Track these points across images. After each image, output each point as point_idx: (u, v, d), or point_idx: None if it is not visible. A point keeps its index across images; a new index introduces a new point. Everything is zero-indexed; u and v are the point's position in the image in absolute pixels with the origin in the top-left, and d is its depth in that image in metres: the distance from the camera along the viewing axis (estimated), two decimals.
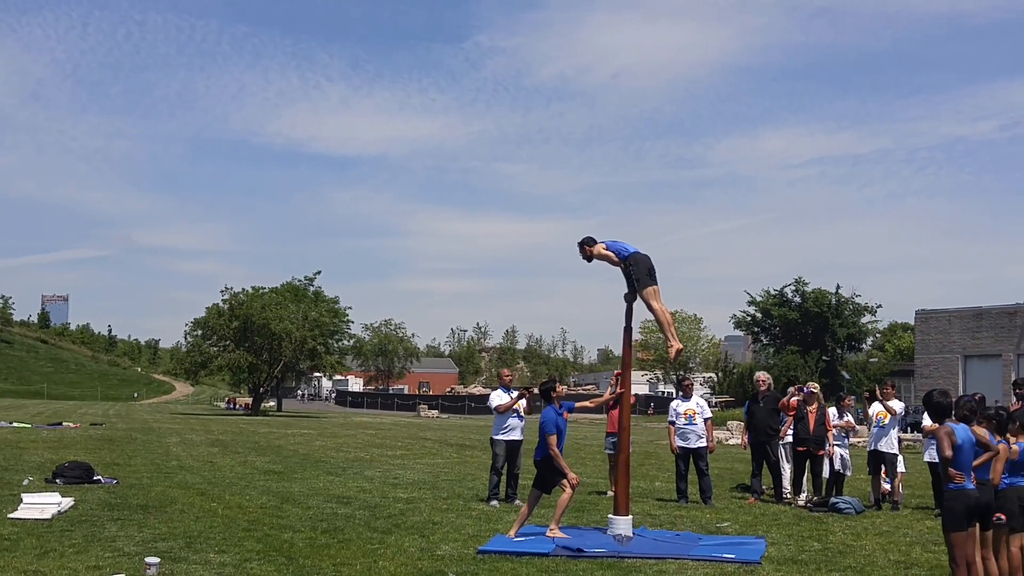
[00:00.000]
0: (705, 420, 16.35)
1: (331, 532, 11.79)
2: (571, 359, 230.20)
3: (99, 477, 16.52)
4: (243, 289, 66.71)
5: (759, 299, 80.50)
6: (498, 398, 15.62)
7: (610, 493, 16.74)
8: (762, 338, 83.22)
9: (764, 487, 16.91)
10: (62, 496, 13.46)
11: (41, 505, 12.33)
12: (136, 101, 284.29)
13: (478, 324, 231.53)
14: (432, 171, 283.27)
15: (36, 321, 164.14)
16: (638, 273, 11.77)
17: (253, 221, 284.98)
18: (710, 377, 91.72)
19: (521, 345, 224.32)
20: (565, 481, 11.60)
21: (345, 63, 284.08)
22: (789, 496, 16.25)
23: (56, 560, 9.39)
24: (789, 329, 78.57)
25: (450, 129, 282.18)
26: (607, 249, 11.99)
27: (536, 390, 12.44)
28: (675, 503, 15.92)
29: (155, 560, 9.02)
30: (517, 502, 15.57)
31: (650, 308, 11.87)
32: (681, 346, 11.84)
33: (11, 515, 12.06)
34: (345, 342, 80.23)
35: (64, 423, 35.85)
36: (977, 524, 7.97)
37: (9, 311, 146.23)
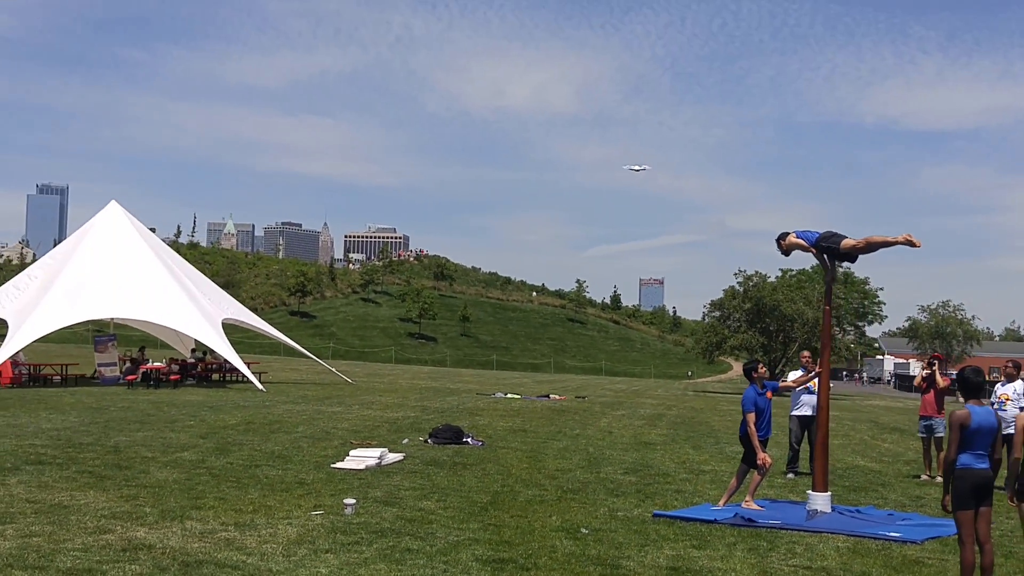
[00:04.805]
0: (1021, 408, 15.54)
1: (572, 491, 13.40)
2: None
3: (468, 439, 19.22)
4: (755, 271, 68.21)
5: None
6: (792, 375, 16.35)
7: (924, 476, 16.56)
8: None
9: None
10: (402, 453, 16.28)
11: (361, 458, 15.11)
12: (730, 90, 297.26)
13: None
14: None
15: (609, 303, 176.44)
16: (831, 240, 12.24)
17: (840, 203, 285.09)
18: None
19: None
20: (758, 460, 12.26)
21: (941, 35, 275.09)
22: None
23: (307, 499, 11.92)
24: None
25: None
26: (797, 238, 12.47)
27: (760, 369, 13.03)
28: None
29: (351, 501, 11.29)
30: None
31: (859, 248, 12.26)
32: (907, 234, 11.59)
33: (333, 465, 14.96)
34: (877, 324, 79.17)
35: (551, 395, 39.69)
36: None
37: (584, 293, 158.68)
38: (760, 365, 12.84)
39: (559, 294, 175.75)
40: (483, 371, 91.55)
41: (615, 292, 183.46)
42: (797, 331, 64.47)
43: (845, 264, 53.46)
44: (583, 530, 10.58)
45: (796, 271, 78.53)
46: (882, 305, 78.39)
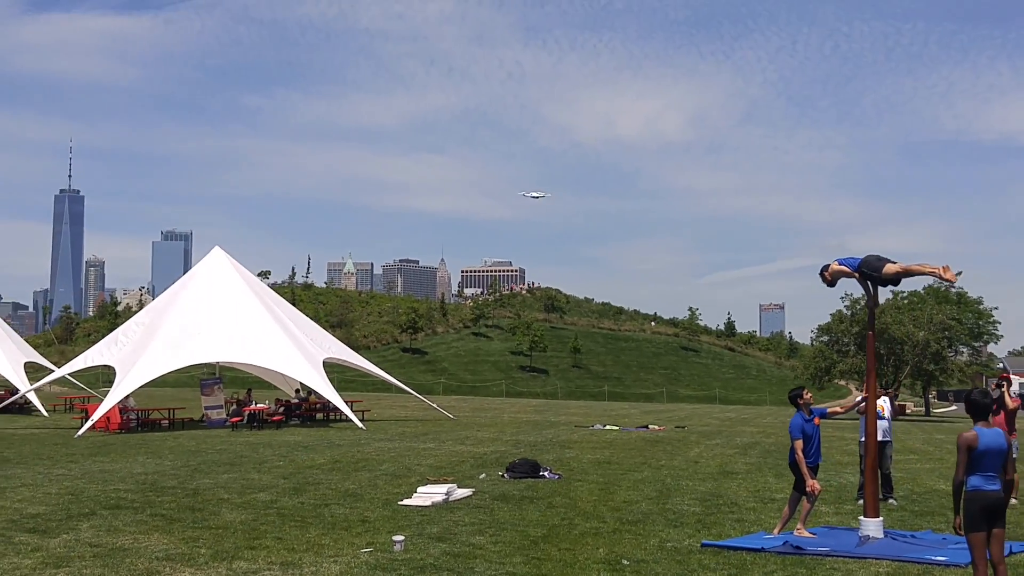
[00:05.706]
0: None
1: (631, 522, 13.47)
2: None
3: (545, 472, 19.36)
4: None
5: None
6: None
7: (1013, 501, 16.18)
8: None
9: None
10: (471, 489, 16.50)
11: (429, 494, 15.39)
12: (846, 111, 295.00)
13: None
14: None
15: (723, 329, 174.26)
16: (872, 265, 12.21)
17: (965, 220, 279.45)
18: None
19: None
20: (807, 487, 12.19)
21: None
22: None
23: (363, 537, 12.24)
24: None
25: None
26: (840, 265, 12.44)
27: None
28: None
29: (400, 538, 11.56)
30: (891, 501, 15.99)
31: (900, 274, 12.21)
32: (946, 265, 11.87)
33: (401, 502, 15.27)
34: (993, 344, 77.08)
35: (650, 426, 39.49)
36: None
37: (697, 320, 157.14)
38: (805, 391, 12.82)
39: (672, 322, 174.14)
40: (593, 402, 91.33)
41: (729, 318, 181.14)
42: (907, 353, 63.15)
43: (958, 284, 51.57)
44: (624, 562, 10.69)
45: (907, 293, 76.89)
46: (997, 324, 76.12)
